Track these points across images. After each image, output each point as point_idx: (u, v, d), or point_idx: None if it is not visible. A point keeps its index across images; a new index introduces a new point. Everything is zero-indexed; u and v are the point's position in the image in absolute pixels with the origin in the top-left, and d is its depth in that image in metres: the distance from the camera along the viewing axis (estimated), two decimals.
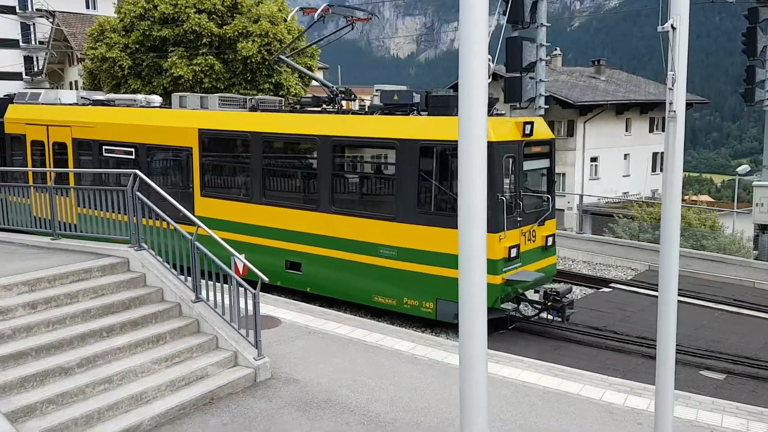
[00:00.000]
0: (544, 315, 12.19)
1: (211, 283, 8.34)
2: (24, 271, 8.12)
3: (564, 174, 40.30)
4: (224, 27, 26.79)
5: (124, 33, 27.92)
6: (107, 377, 6.95)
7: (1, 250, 9.43)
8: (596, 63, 47.65)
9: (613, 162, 41.38)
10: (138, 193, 8.69)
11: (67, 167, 16.29)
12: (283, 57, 16.42)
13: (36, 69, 54.89)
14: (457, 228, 11.23)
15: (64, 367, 6.86)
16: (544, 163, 12.62)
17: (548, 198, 12.35)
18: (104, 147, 15.78)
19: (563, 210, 32.88)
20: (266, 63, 27.01)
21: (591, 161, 40.55)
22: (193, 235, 8.23)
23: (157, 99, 17.28)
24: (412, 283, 11.70)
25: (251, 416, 7.00)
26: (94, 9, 53.31)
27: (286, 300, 11.40)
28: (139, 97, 17.15)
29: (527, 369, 8.54)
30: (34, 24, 54.71)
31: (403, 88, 13.33)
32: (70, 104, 17.45)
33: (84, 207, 9.46)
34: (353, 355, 8.87)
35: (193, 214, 8.96)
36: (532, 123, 11.67)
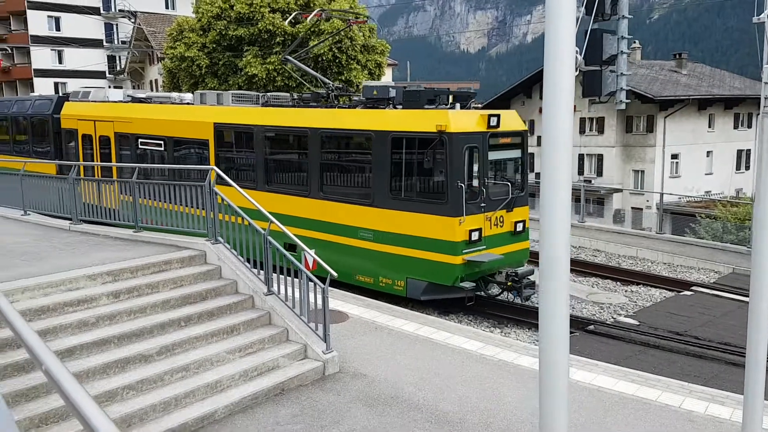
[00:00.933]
0: (506, 294, 13.21)
1: (282, 276, 8.48)
2: (108, 261, 8.49)
3: (643, 171, 38.91)
4: (297, 26, 27.21)
5: (201, 33, 28.79)
6: (184, 365, 7.15)
7: (87, 241, 9.91)
8: (677, 56, 45.74)
9: (695, 159, 39.64)
10: (215, 189, 8.93)
11: (110, 159, 18.04)
12: (289, 57, 17.30)
13: (118, 68, 57.45)
14: (422, 213, 11.44)
15: (145, 354, 7.09)
16: (513, 153, 13.39)
17: (516, 185, 13.10)
18: (140, 140, 17.34)
19: (641, 209, 31.69)
20: (337, 60, 27.29)
21: (672, 158, 38.99)
22: (266, 230, 8.38)
23: (188, 96, 18.75)
24: (386, 263, 12.71)
25: (320, 409, 7.07)
26: (173, 9, 55.39)
27: (353, 295, 11.48)
28: (174, 94, 18.84)
29: (602, 373, 8.27)
30: (117, 24, 57.30)
31: (392, 83, 14.17)
32: (114, 101, 19.05)
33: (162, 201, 9.85)
34: (420, 352, 8.83)
35: None
36: (498, 115, 12.40)
